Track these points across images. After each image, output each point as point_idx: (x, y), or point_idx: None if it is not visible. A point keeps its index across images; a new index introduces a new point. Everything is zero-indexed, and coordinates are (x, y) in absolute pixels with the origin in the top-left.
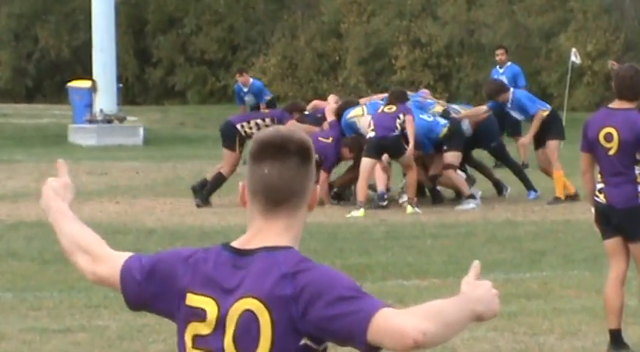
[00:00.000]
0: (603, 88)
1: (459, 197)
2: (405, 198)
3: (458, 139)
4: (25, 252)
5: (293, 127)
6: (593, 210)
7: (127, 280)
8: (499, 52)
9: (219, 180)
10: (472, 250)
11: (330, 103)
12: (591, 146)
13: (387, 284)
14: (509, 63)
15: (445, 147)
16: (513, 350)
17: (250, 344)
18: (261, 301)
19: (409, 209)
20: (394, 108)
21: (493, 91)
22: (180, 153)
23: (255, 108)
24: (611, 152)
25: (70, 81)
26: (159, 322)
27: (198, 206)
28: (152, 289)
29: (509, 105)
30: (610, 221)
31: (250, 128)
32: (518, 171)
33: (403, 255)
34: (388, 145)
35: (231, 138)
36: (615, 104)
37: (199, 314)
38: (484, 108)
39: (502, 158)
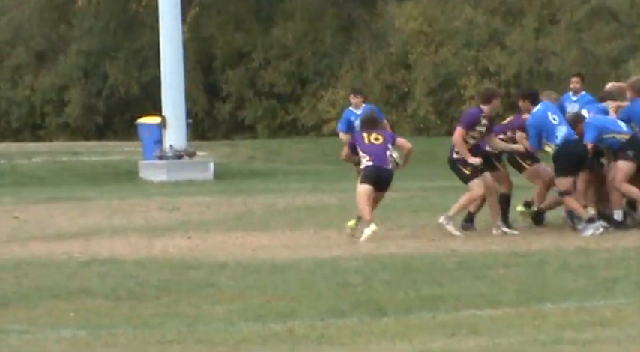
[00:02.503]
0: None
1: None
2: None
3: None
4: (98, 289)
5: None
6: None
7: None
8: (575, 79)
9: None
10: (545, 279)
11: None
12: None
13: (460, 314)
14: (583, 92)
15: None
16: None
17: None
18: None
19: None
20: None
21: None
22: (251, 187)
23: None
24: None
25: (139, 117)
26: None
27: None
28: None
29: None
30: None
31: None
32: None
33: (475, 285)
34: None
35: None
36: None
37: None
38: None
39: None
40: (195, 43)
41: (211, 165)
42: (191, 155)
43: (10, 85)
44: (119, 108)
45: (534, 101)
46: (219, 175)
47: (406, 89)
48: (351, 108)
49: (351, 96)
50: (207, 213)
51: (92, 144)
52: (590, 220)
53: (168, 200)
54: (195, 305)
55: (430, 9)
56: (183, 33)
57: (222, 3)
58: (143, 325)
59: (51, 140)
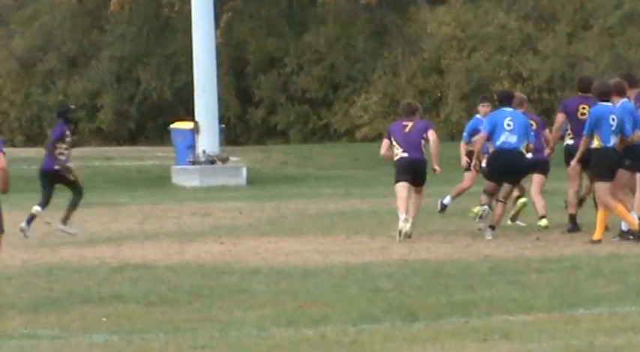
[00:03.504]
0: None
1: None
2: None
3: None
4: (130, 294)
5: None
6: None
7: None
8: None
9: None
10: (577, 284)
11: None
12: None
13: (493, 319)
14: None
15: None
16: None
17: None
18: None
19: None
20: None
21: None
22: (284, 193)
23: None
24: None
25: (172, 122)
26: None
27: None
28: None
29: None
30: None
31: None
32: None
33: (508, 291)
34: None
35: None
36: None
37: None
38: None
39: None
40: (227, 48)
41: (244, 171)
42: (224, 160)
43: (42, 90)
44: (151, 114)
45: (500, 101)
46: (251, 180)
47: (439, 94)
48: (477, 116)
49: (480, 105)
50: (239, 218)
51: (125, 149)
52: (492, 227)
53: (200, 205)
54: (227, 310)
55: (463, 14)
56: (216, 38)
57: (254, 8)
58: (175, 330)
59: (83, 145)
